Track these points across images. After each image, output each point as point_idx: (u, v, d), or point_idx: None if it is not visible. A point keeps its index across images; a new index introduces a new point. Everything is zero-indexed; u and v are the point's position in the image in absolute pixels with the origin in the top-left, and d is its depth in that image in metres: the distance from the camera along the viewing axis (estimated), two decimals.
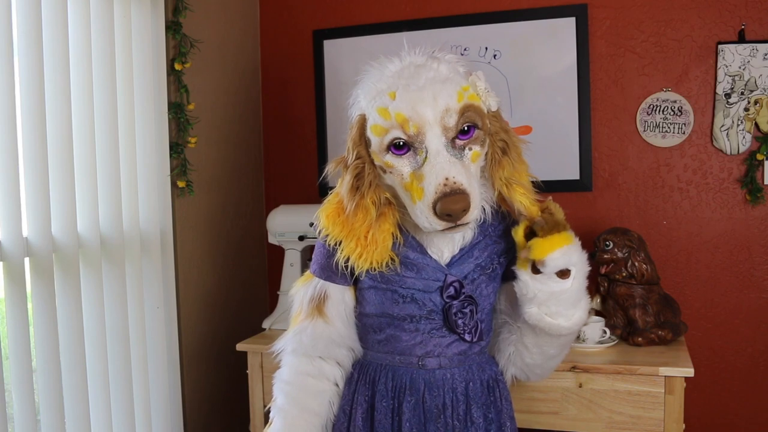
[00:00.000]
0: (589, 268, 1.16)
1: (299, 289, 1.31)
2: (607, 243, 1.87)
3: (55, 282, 1.58)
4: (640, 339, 1.79)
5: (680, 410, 1.60)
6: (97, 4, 1.71)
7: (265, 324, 2.11)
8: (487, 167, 1.17)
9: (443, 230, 1.08)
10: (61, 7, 1.58)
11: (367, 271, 1.19)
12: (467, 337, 1.21)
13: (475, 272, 1.21)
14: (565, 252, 1.09)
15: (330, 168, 1.22)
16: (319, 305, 1.27)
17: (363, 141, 1.16)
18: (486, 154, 1.16)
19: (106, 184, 1.75)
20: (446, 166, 1.06)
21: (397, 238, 1.18)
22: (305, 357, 1.28)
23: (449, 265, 1.21)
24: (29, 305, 1.53)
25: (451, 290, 1.19)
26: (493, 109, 1.16)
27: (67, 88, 1.61)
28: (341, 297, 1.27)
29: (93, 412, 1.69)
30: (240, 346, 1.94)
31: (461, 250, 1.21)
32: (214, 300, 2.24)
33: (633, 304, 1.84)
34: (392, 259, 1.18)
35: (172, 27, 2.00)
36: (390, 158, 1.11)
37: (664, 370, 1.60)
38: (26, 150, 1.51)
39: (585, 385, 1.67)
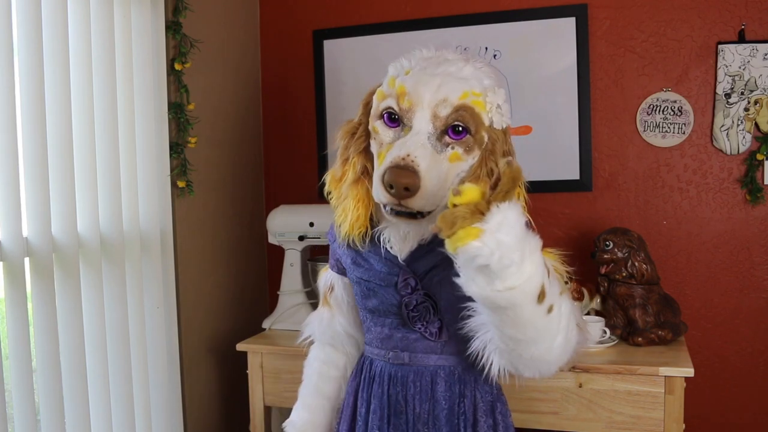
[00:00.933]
0: (524, 219, 0.93)
1: (321, 278, 1.40)
2: (607, 243, 1.87)
3: (55, 282, 1.58)
4: (640, 339, 1.79)
5: (680, 410, 1.60)
6: (97, 4, 1.71)
7: (265, 324, 2.11)
8: (466, 181, 1.12)
9: (390, 212, 1.07)
10: (61, 7, 1.58)
11: (348, 247, 1.22)
12: (429, 336, 1.19)
13: (437, 269, 1.17)
14: (473, 249, 0.88)
15: (339, 135, 1.23)
16: (326, 295, 1.36)
17: (369, 107, 1.18)
18: (471, 167, 1.11)
19: (106, 184, 1.75)
20: (415, 145, 1.05)
21: (370, 210, 1.18)
22: (319, 343, 1.40)
23: (409, 260, 1.19)
24: (29, 305, 1.53)
25: (406, 286, 1.18)
26: (496, 126, 1.13)
27: (67, 88, 1.61)
28: (343, 287, 1.34)
29: (93, 412, 1.69)
30: (240, 346, 1.94)
31: (420, 246, 1.18)
32: (214, 300, 2.24)
33: (633, 304, 1.84)
34: (366, 230, 1.18)
35: (172, 27, 2.00)
36: (379, 124, 1.12)
37: (664, 370, 1.60)
38: (26, 150, 1.51)
39: (585, 385, 1.67)
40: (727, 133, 2.07)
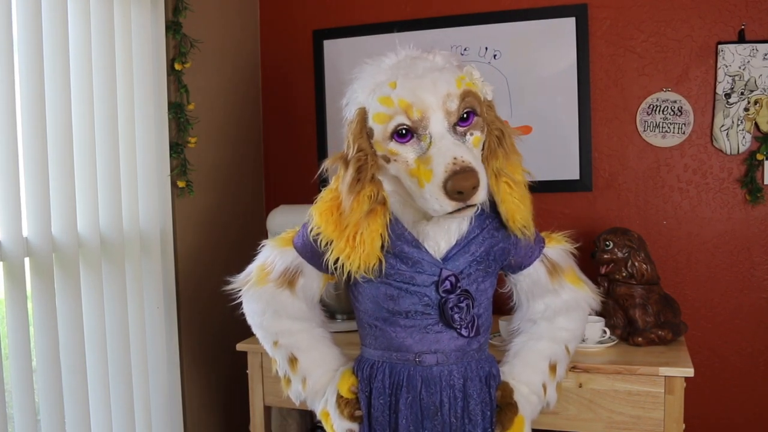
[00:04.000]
0: (539, 406, 1.34)
1: (275, 250, 1.32)
2: (607, 243, 1.87)
3: (55, 282, 1.58)
4: (640, 339, 1.79)
5: (680, 410, 1.60)
6: (97, 4, 1.71)
7: None
8: (483, 156, 1.18)
9: (452, 212, 1.07)
10: (61, 7, 1.58)
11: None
12: (464, 332, 1.21)
13: (472, 266, 1.21)
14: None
15: (327, 164, 1.22)
16: (291, 279, 1.29)
17: (364, 133, 1.16)
18: (485, 144, 1.17)
19: (106, 184, 1.75)
20: (452, 147, 1.07)
21: (384, 241, 1.17)
22: (275, 317, 1.32)
23: (445, 259, 1.21)
24: (29, 305, 1.53)
25: (447, 284, 1.19)
26: (489, 98, 1.18)
27: (67, 88, 1.60)
28: (313, 278, 1.30)
29: (93, 412, 1.69)
30: (240, 346, 1.94)
31: (458, 243, 1.21)
32: (214, 300, 2.23)
33: (633, 304, 1.84)
34: (380, 261, 1.17)
35: (172, 27, 2.00)
36: (394, 146, 1.11)
37: (664, 370, 1.60)
38: (26, 150, 1.51)
39: (585, 385, 1.67)
40: (727, 133, 2.07)
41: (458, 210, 1.07)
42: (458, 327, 1.20)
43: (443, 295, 1.19)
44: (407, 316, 1.21)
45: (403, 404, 1.22)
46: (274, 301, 1.30)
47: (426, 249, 1.21)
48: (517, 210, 1.19)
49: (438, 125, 1.09)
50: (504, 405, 1.27)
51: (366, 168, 1.16)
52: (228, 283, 1.38)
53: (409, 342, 1.22)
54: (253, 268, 1.35)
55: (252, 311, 1.35)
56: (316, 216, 1.20)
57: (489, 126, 1.17)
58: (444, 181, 1.04)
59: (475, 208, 1.10)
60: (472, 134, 1.12)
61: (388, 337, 1.24)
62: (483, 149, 1.17)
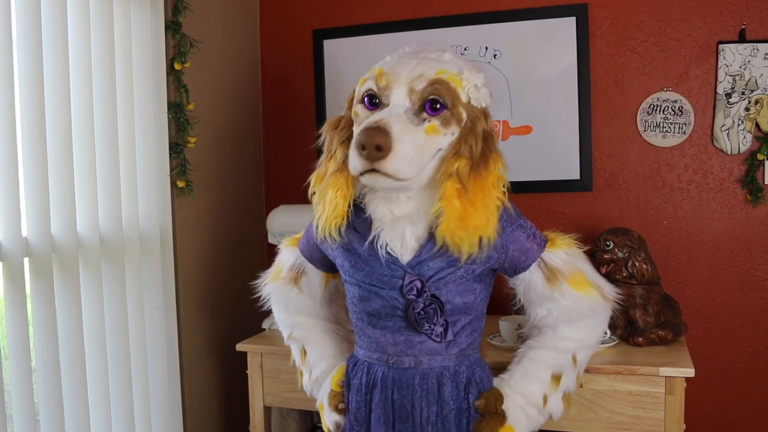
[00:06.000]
0: (541, 420, 1.31)
1: (286, 249, 1.42)
2: (608, 243, 1.87)
3: (54, 282, 1.58)
4: (640, 339, 1.79)
5: (681, 410, 1.60)
6: (97, 4, 1.71)
7: (265, 324, 2.11)
8: (446, 155, 1.14)
9: (363, 174, 1.07)
10: (61, 7, 1.58)
11: (348, 251, 1.23)
12: (435, 337, 1.19)
13: (443, 271, 1.18)
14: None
15: (325, 129, 1.25)
16: (296, 277, 1.38)
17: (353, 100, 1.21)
18: (451, 144, 1.14)
19: (105, 184, 1.75)
20: (388, 114, 1.08)
21: (349, 203, 1.18)
22: (286, 311, 1.43)
23: (414, 263, 1.18)
24: (29, 305, 1.53)
25: (413, 289, 1.17)
26: (475, 104, 1.15)
27: (66, 88, 1.60)
28: (314, 276, 1.37)
29: (92, 412, 1.69)
30: (240, 346, 1.94)
31: (423, 247, 1.18)
32: (214, 300, 2.23)
33: (633, 304, 1.83)
34: (343, 221, 1.18)
35: (172, 27, 2.00)
36: (360, 108, 1.15)
37: (665, 371, 1.60)
38: (26, 150, 1.51)
39: (585, 385, 1.67)
40: (728, 133, 2.07)
41: (369, 172, 1.06)
42: (427, 332, 1.19)
43: (409, 299, 1.18)
44: (380, 317, 1.22)
45: (376, 404, 1.23)
46: (284, 296, 1.40)
47: (392, 252, 1.19)
48: (458, 227, 1.10)
49: (398, 97, 1.10)
50: (487, 414, 1.22)
51: (339, 129, 1.19)
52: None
53: (384, 343, 1.23)
54: (273, 265, 1.45)
55: (272, 304, 1.46)
56: (313, 179, 1.24)
57: (464, 132, 1.14)
58: (358, 134, 1.06)
59: (390, 179, 1.06)
60: (430, 122, 1.10)
61: (368, 337, 1.25)
62: (447, 150, 1.13)
